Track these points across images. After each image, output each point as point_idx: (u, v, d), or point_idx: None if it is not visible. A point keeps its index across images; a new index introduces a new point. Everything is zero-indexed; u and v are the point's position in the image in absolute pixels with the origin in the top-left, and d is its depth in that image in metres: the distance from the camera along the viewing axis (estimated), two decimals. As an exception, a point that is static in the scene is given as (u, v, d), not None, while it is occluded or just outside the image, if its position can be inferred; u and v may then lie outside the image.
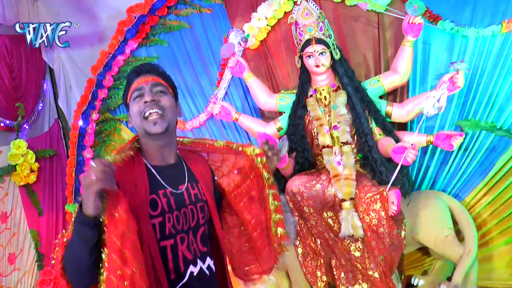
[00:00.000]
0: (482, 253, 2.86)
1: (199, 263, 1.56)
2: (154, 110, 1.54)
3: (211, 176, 1.75)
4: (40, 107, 4.05)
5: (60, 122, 4.20)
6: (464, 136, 2.72)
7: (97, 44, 3.67)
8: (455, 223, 2.86)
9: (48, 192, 3.92)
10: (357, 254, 2.72)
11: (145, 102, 1.54)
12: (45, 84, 4.11)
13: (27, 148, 3.78)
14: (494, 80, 2.81)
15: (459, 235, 2.85)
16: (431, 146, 2.89)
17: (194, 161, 1.70)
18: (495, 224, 2.89)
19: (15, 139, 3.76)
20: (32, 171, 3.80)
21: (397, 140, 2.79)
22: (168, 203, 1.51)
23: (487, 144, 2.86)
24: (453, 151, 2.89)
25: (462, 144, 2.81)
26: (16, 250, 3.73)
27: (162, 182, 1.54)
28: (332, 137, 2.88)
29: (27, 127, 3.92)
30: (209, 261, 1.61)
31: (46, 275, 3.66)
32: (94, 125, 3.52)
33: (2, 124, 3.71)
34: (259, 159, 1.74)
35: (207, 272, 1.59)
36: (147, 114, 1.53)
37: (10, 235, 3.73)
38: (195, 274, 1.54)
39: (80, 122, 3.50)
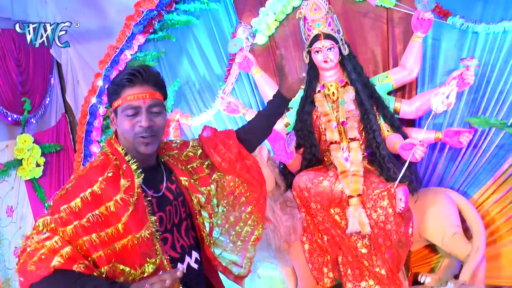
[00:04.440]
0: (490, 251, 2.83)
1: (187, 258, 1.58)
2: (149, 135, 1.51)
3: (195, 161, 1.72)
4: (47, 102, 4.06)
5: (67, 117, 4.21)
6: (473, 133, 2.70)
7: (105, 39, 3.66)
8: (463, 220, 2.84)
9: (55, 186, 3.93)
10: (364, 250, 2.71)
11: (141, 126, 1.49)
12: (52, 79, 4.12)
13: (33, 142, 3.79)
14: (504, 77, 2.78)
15: (467, 232, 2.83)
16: (439, 143, 2.87)
17: (171, 156, 1.68)
18: (503, 222, 2.87)
19: (21, 133, 3.77)
20: (38, 165, 3.81)
21: (405, 137, 2.78)
22: (151, 207, 1.50)
23: (497, 142, 2.82)
24: (461, 148, 2.87)
25: (471, 141, 2.79)
26: (22, 244, 3.74)
27: (144, 187, 1.52)
28: (339, 133, 2.86)
29: (34, 122, 3.93)
30: (195, 254, 1.63)
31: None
32: (102, 120, 3.52)
33: (9, 118, 3.72)
34: None
35: (195, 266, 1.61)
36: (140, 135, 1.50)
37: (16, 229, 3.74)
38: (184, 271, 1.53)
39: (87, 117, 3.50)
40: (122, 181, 1.43)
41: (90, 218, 1.36)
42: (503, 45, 2.78)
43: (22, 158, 3.73)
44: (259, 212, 1.79)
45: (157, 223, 1.49)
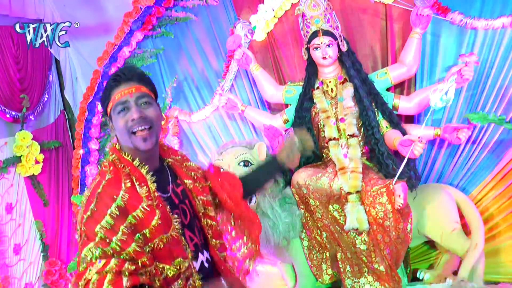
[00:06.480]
0: (489, 247, 2.84)
1: (200, 256, 1.59)
2: (143, 127, 1.49)
3: (197, 170, 1.74)
4: (45, 99, 4.04)
5: (66, 114, 4.20)
6: (472, 129, 2.70)
7: (103, 36, 3.64)
8: (461, 216, 2.84)
9: (54, 183, 3.92)
10: (363, 247, 2.71)
11: (133, 119, 1.49)
12: (50, 76, 4.10)
13: (32, 139, 3.78)
14: (503, 73, 2.79)
15: (466, 228, 2.83)
16: (438, 139, 2.87)
17: (175, 160, 1.69)
18: (502, 218, 2.88)
19: (20, 130, 3.77)
20: (37, 162, 3.81)
21: (404, 133, 2.78)
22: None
23: (495, 138, 2.84)
24: (460, 144, 2.87)
25: (469, 137, 2.79)
26: (22, 241, 3.74)
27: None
28: (338, 130, 2.86)
29: (32, 119, 3.91)
30: (206, 254, 1.63)
31: (51, 265, 3.68)
32: (100, 117, 3.51)
33: (8, 115, 3.72)
34: None
35: (206, 265, 1.62)
36: (135, 130, 1.49)
37: (16, 226, 3.74)
38: (197, 269, 1.56)
39: (86, 113, 3.50)
40: (139, 189, 1.44)
41: (125, 230, 1.37)
42: (501, 41, 2.78)
43: (21, 155, 3.72)
44: (255, 251, 1.82)
45: (179, 218, 1.52)
